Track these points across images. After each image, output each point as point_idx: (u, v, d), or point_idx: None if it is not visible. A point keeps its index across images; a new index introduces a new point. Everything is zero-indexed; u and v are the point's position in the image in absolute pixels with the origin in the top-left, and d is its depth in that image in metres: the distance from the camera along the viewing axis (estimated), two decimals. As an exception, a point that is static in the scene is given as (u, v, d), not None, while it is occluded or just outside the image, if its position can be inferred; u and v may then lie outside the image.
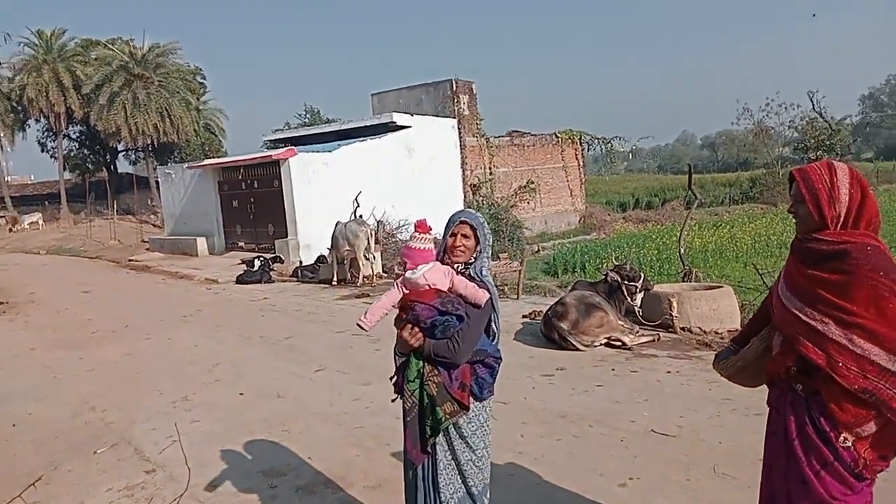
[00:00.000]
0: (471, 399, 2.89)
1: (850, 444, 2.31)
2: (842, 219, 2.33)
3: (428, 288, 2.85)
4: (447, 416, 2.82)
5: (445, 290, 2.86)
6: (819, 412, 2.36)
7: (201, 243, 21.24)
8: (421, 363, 2.85)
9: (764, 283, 8.23)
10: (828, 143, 38.03)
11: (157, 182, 29.91)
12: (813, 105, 39.70)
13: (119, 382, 7.45)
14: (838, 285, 2.30)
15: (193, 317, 11.43)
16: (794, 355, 2.42)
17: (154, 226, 31.37)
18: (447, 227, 2.96)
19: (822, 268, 2.36)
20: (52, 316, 12.25)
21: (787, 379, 2.48)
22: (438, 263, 2.92)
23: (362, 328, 2.91)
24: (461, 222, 2.93)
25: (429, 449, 2.88)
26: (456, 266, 2.93)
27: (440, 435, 2.88)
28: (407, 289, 2.89)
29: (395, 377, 3.00)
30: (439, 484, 2.91)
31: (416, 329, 2.81)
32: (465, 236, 2.92)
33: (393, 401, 3.06)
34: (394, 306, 2.93)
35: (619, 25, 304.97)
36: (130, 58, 32.37)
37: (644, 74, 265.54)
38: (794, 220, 2.46)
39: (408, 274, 2.88)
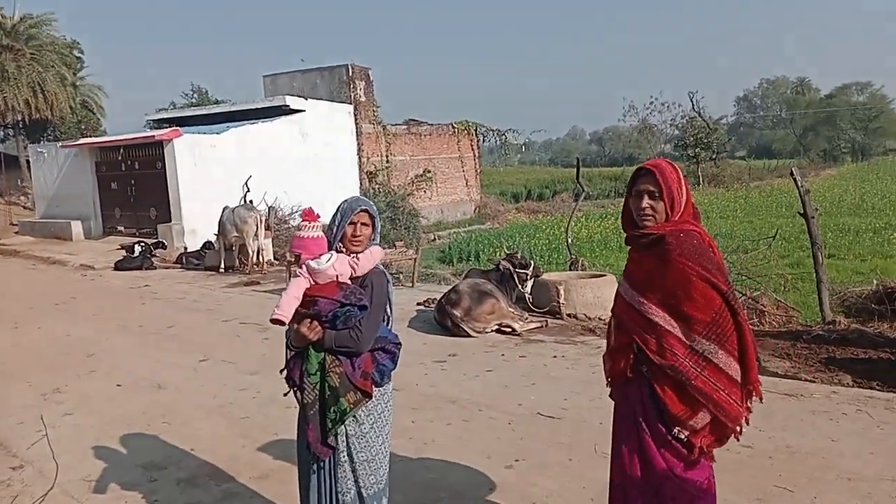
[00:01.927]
0: (373, 387, 2.87)
1: (684, 437, 2.44)
2: (673, 209, 2.49)
3: (333, 279, 2.81)
4: (351, 406, 2.80)
5: (348, 280, 2.83)
6: (654, 402, 2.51)
7: (76, 227, 19.94)
8: (321, 355, 2.80)
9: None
10: (706, 141, 40.36)
11: (28, 161, 27.86)
12: (693, 105, 42.06)
13: (-19, 375, 6.91)
14: (656, 270, 2.48)
15: (67, 304, 10.75)
16: (632, 344, 2.56)
17: (25, 208, 29.17)
18: (343, 214, 2.86)
19: (646, 254, 2.54)
20: None
21: (628, 366, 2.59)
22: (342, 255, 2.85)
23: (281, 321, 2.73)
24: (361, 210, 2.86)
25: (330, 442, 2.83)
26: (351, 255, 2.88)
27: (338, 431, 2.84)
28: (313, 279, 2.81)
29: (288, 370, 2.90)
30: (338, 478, 2.87)
31: (315, 323, 2.76)
32: (364, 224, 2.86)
33: (286, 394, 2.98)
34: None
35: (513, 19, 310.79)
36: (-1, 28, 29.91)
37: (537, 69, 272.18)
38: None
39: (313, 263, 2.79)
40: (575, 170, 12.07)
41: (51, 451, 4.80)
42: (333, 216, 2.88)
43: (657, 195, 2.48)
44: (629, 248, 2.68)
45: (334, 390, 2.78)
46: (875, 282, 8.64)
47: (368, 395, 2.84)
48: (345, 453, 2.88)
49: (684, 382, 2.40)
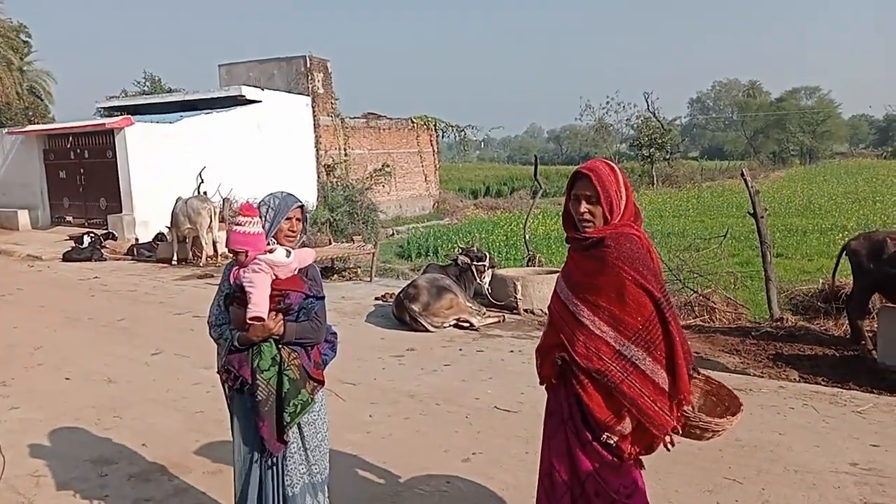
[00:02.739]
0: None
1: (613, 442, 2.43)
2: (612, 211, 2.45)
3: (295, 273, 2.82)
4: (311, 396, 2.84)
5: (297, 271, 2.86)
6: (580, 405, 2.50)
7: (23, 216, 19.32)
8: (275, 350, 2.77)
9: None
10: (660, 141, 41.02)
11: (-30, 148, 26.89)
12: (648, 105, 42.68)
13: (-80, 368, 6.65)
14: (593, 272, 2.46)
15: (13, 296, 10.42)
16: (561, 344, 2.54)
17: (-34, 196, 28.18)
18: (279, 210, 2.85)
19: (585, 255, 2.52)
20: None
21: (553, 369, 2.61)
22: (287, 248, 2.86)
23: (261, 318, 2.68)
24: (297, 206, 2.90)
25: (286, 437, 2.82)
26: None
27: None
28: (275, 273, 2.78)
29: (233, 370, 2.80)
30: (287, 470, 2.86)
31: (280, 316, 2.76)
32: (299, 220, 2.91)
33: (229, 395, 2.91)
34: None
35: (474, 15, 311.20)
36: (-61, 8, 28.76)
37: (496, 66, 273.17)
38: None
39: (272, 257, 2.76)
40: (533, 167, 12.14)
41: (-4, 446, 4.66)
42: (263, 211, 2.86)
43: (594, 200, 2.45)
44: (569, 247, 2.67)
45: (295, 382, 2.78)
46: (821, 280, 8.90)
47: (322, 383, 2.91)
48: (297, 443, 2.89)
49: (610, 387, 2.38)
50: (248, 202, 2.88)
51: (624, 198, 2.46)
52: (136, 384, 6.05)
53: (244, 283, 2.76)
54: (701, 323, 7.98)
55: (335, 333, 3.10)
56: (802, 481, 3.83)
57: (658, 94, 70.50)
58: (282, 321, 2.76)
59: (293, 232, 2.87)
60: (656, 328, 2.36)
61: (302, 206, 2.93)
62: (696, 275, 8.70)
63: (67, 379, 6.24)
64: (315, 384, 2.88)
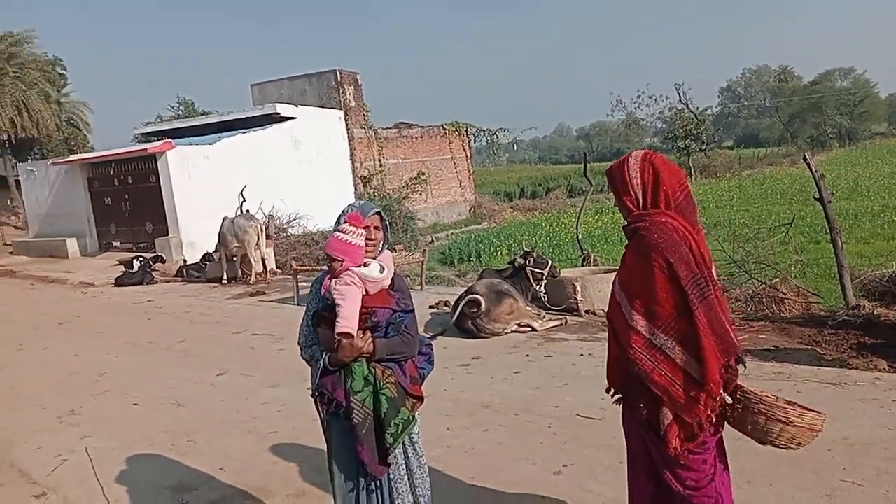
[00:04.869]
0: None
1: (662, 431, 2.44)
2: (640, 201, 2.50)
3: (384, 288, 2.73)
4: (412, 414, 2.72)
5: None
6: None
7: (72, 244, 19.66)
8: (366, 369, 2.65)
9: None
10: (694, 132, 40.32)
11: (17, 181, 27.51)
12: (680, 96, 42.01)
13: (-9, 400, 6.69)
14: (630, 262, 2.49)
15: (71, 323, 10.52)
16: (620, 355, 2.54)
17: (16, 227, 28.82)
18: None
19: (627, 248, 2.54)
20: None
21: (617, 379, 2.68)
22: (381, 263, 2.78)
23: (350, 334, 2.59)
24: (375, 213, 2.81)
25: (389, 459, 2.69)
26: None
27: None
28: (366, 288, 2.68)
29: (325, 392, 2.71)
30: (395, 494, 2.73)
31: (368, 334, 2.65)
32: (377, 228, 2.81)
33: (325, 418, 2.79)
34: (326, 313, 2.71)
35: (498, 19, 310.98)
36: (-21, 47, 29.51)
37: (523, 68, 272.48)
38: None
39: (365, 272, 2.68)
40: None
41: (77, 477, 4.61)
42: (339, 219, 2.79)
43: (618, 195, 2.56)
44: None
45: (393, 401, 2.66)
46: (895, 264, 8.53)
47: (422, 399, 2.78)
48: (403, 466, 2.77)
49: (642, 377, 2.38)
50: (355, 212, 2.76)
51: (649, 188, 2.49)
52: (204, 407, 5.99)
53: (335, 296, 2.66)
54: (771, 315, 7.69)
55: (430, 345, 2.97)
56: (928, 480, 3.58)
57: (688, 84, 69.50)
58: (370, 339, 2.65)
59: (371, 240, 2.77)
60: (687, 317, 2.34)
61: (380, 214, 2.83)
62: (763, 265, 8.39)
63: (135, 404, 6.20)
64: (414, 401, 2.75)
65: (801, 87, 75.25)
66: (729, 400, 2.46)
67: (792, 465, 3.77)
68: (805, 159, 8.04)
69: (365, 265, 2.69)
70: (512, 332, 7.56)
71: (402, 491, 2.75)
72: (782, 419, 2.42)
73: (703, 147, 41.64)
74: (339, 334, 2.59)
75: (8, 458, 5.09)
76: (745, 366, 2.49)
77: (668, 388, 2.35)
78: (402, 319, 2.71)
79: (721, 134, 68.50)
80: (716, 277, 2.49)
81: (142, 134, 26.31)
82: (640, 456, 2.67)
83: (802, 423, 2.42)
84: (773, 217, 14.85)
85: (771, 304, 7.98)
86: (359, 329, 2.63)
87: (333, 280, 2.70)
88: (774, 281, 8.19)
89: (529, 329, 7.61)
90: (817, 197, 7.88)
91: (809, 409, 2.47)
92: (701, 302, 2.33)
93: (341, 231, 2.71)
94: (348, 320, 2.59)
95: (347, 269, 2.68)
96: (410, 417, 2.70)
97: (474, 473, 4.15)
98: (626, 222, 2.56)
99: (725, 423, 2.57)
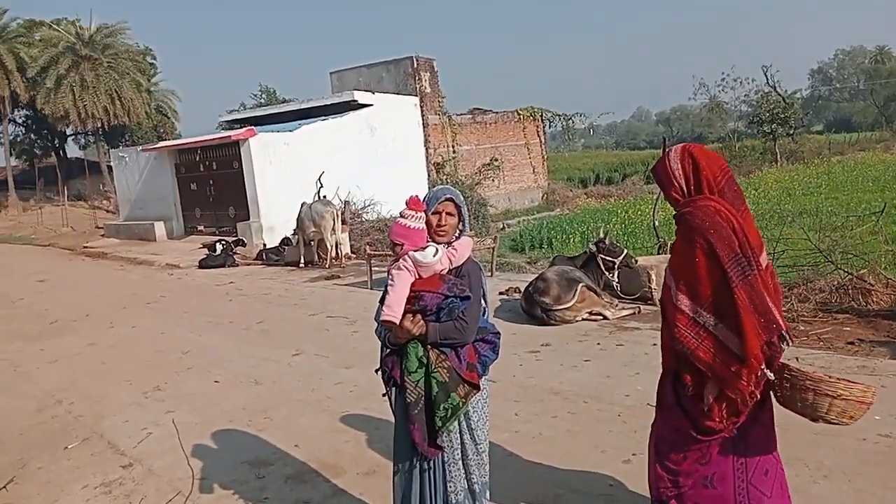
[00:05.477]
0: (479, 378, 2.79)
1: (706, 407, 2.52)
2: (684, 190, 2.64)
3: (437, 273, 2.74)
4: (463, 400, 2.71)
5: (446, 271, 2.77)
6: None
7: (159, 228, 20.59)
8: (421, 351, 2.70)
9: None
10: (782, 116, 38.58)
11: (109, 167, 28.95)
12: (767, 79, 40.25)
13: (84, 374, 7.11)
14: (677, 245, 2.62)
15: (157, 303, 11.04)
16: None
17: (108, 211, 30.39)
18: (428, 203, 2.82)
19: (676, 235, 2.68)
20: (7, 307, 11.70)
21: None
22: (439, 246, 2.79)
23: (393, 322, 2.64)
24: (447, 199, 2.81)
25: (439, 442, 2.72)
26: (445, 246, 2.82)
27: (451, 429, 2.75)
28: (418, 272, 2.72)
29: (385, 370, 2.80)
30: (449, 477, 2.77)
31: (418, 317, 2.68)
32: (450, 214, 2.81)
33: (384, 395, 2.90)
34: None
35: (572, 1, 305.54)
36: (77, 39, 31.10)
37: (599, 51, 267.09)
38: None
39: (419, 256, 2.71)
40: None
41: (161, 449, 4.87)
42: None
43: (665, 187, 2.70)
44: None
45: (444, 385, 2.68)
46: None
47: (477, 388, 2.76)
48: (458, 450, 2.80)
49: (687, 354, 2.47)
50: (415, 196, 2.81)
51: (692, 176, 2.61)
52: (281, 385, 6.20)
53: (388, 281, 2.73)
54: (857, 306, 7.34)
55: (497, 333, 2.93)
56: None
57: (776, 66, 66.33)
58: (421, 322, 2.67)
59: (441, 226, 2.79)
60: (727, 295, 2.40)
61: (452, 199, 2.82)
62: (850, 255, 8.01)
63: (216, 382, 6.48)
64: (469, 388, 2.74)
65: (899, 68, 70.95)
66: (771, 376, 2.49)
67: (874, 462, 3.63)
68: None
69: (423, 249, 2.73)
70: (583, 320, 7.49)
71: (456, 475, 2.78)
72: (829, 393, 2.44)
73: (791, 132, 39.87)
74: (382, 321, 2.66)
75: (98, 430, 5.41)
76: (788, 343, 2.51)
77: (712, 364, 2.43)
78: (455, 305, 2.68)
79: (810, 118, 65.46)
80: (763, 261, 2.55)
81: (226, 121, 27.19)
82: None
83: (850, 396, 2.43)
84: (863, 205, 14.14)
85: (857, 295, 7.61)
86: (407, 312, 2.67)
87: (392, 264, 2.78)
88: (862, 272, 7.81)
89: (601, 317, 7.52)
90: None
91: (856, 382, 2.48)
92: (742, 280, 2.40)
93: (402, 216, 2.77)
94: (391, 308, 2.64)
95: (405, 253, 2.73)
96: (461, 403, 2.69)
97: (541, 459, 4.16)
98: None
99: (773, 408, 2.66)
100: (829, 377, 2.50)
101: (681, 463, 2.66)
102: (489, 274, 10.92)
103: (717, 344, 2.42)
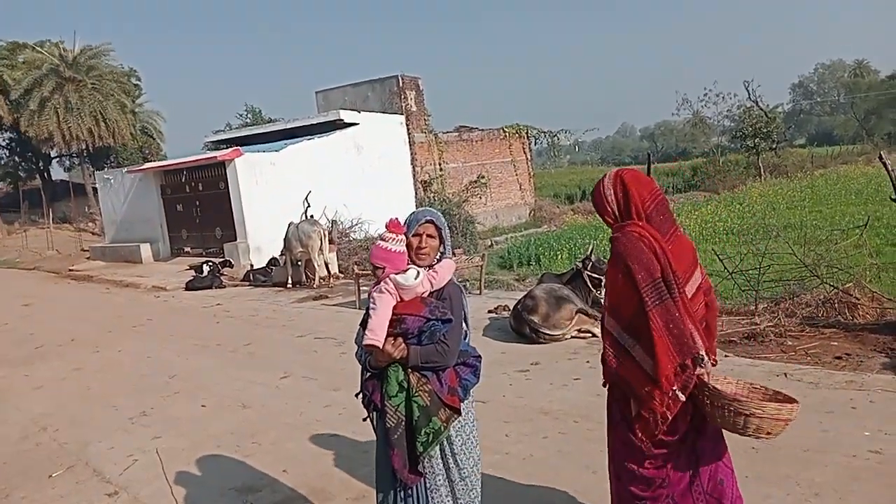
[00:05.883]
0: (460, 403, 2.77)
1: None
2: (616, 214, 2.75)
3: (418, 295, 2.72)
4: (444, 425, 2.68)
5: (427, 294, 2.76)
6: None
7: (145, 250, 20.44)
8: (402, 375, 2.68)
9: (725, 267, 8.30)
10: (764, 130, 39.02)
11: (94, 188, 28.75)
12: (749, 94, 40.81)
13: (69, 399, 7.02)
14: (607, 271, 2.74)
15: (143, 326, 10.94)
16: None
17: (93, 234, 30.16)
18: (409, 225, 2.81)
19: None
20: (-10, 332, 11.56)
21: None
22: (421, 269, 2.78)
23: (376, 346, 2.63)
24: (427, 221, 2.80)
25: (420, 468, 2.70)
26: (426, 269, 2.81)
27: (432, 454, 2.72)
28: (399, 295, 2.71)
29: (366, 394, 2.79)
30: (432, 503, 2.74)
31: (399, 340, 2.66)
32: (430, 236, 2.80)
33: (365, 419, 2.88)
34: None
35: (556, 18, 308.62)
36: (61, 60, 30.98)
37: (583, 68, 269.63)
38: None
39: (400, 279, 2.70)
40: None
41: (146, 477, 4.80)
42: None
43: (600, 213, 2.82)
44: None
45: (425, 409, 2.65)
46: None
47: (458, 412, 2.74)
48: (442, 476, 2.77)
49: (611, 372, 2.65)
50: (395, 219, 2.80)
51: (621, 202, 2.71)
52: (269, 409, 6.14)
53: (369, 305, 2.72)
54: (843, 321, 7.39)
55: (479, 357, 2.90)
56: None
57: (758, 81, 67.17)
58: (402, 345, 2.66)
59: (421, 248, 2.78)
60: (643, 318, 2.52)
61: (432, 221, 2.81)
62: (835, 269, 8.06)
63: (203, 406, 6.41)
64: (450, 412, 2.71)
65: (878, 81, 71.95)
66: (682, 398, 2.56)
67: (865, 479, 3.63)
68: (881, 158, 7.70)
69: (404, 271, 2.72)
70: (572, 337, 7.50)
71: (439, 502, 2.75)
72: (743, 412, 2.52)
73: (774, 146, 40.30)
74: (364, 346, 2.66)
75: (83, 457, 5.33)
76: (702, 366, 2.56)
77: (631, 383, 2.59)
78: (437, 328, 2.67)
79: (792, 132, 66.17)
80: (693, 282, 2.69)
81: (211, 142, 27.12)
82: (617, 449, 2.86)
83: (764, 414, 2.51)
84: (846, 218, 14.29)
85: (843, 309, 7.66)
86: (389, 336, 2.65)
87: (374, 288, 2.77)
88: (847, 285, 7.87)
89: (590, 335, 7.52)
90: (894, 197, 7.55)
91: (784, 400, 2.60)
92: (658, 304, 2.52)
93: (382, 238, 2.76)
94: (374, 332, 2.62)
95: (386, 277, 2.72)
96: (442, 428, 2.67)
97: (533, 482, 4.14)
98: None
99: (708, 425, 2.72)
100: (745, 395, 2.66)
101: (636, 473, 2.72)
102: (478, 292, 10.92)
103: (635, 364, 2.57)
